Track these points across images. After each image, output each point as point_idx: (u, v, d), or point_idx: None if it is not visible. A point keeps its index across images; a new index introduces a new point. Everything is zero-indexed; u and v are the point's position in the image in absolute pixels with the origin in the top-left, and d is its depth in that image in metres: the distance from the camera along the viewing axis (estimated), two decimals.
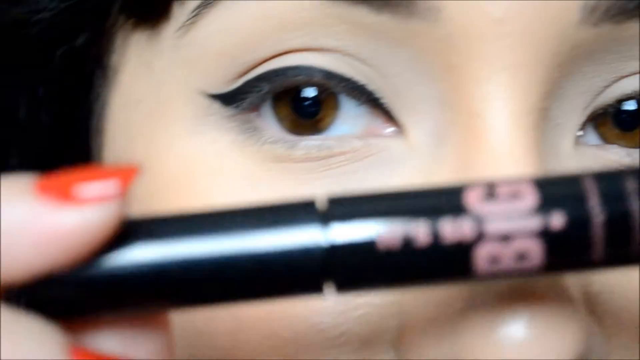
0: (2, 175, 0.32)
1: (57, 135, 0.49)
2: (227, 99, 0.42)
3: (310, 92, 0.42)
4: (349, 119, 0.42)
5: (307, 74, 0.41)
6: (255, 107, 0.42)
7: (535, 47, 0.39)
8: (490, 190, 0.34)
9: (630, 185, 0.34)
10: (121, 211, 0.32)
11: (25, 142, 0.48)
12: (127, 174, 0.32)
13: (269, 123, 0.42)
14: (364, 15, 0.40)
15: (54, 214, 0.31)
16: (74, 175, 0.32)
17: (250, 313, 0.40)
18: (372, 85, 0.41)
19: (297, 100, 0.42)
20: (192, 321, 0.42)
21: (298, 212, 0.33)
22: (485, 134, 0.39)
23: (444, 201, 0.33)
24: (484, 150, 0.39)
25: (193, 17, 0.42)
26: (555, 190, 0.34)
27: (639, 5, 0.40)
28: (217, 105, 0.42)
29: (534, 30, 0.39)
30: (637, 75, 0.42)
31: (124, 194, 0.32)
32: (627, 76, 0.42)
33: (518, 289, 0.37)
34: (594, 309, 0.41)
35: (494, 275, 0.34)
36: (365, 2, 0.39)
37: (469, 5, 0.39)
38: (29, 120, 0.48)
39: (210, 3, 0.41)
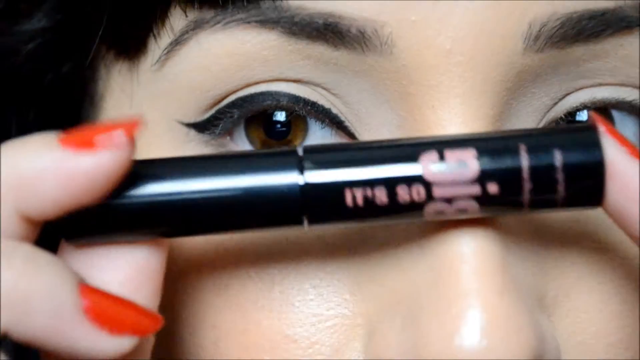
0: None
1: None
2: (202, 126, 0.45)
3: (280, 116, 0.45)
4: (317, 140, 0.45)
5: (274, 99, 0.44)
6: (228, 132, 0.45)
7: (483, 75, 0.42)
8: (441, 156, 0.40)
9: (558, 157, 0.40)
10: (129, 155, 0.38)
11: None
12: (132, 125, 0.38)
13: (242, 146, 0.45)
14: (323, 51, 0.43)
15: (75, 159, 0.38)
16: (89, 128, 0.39)
17: (230, 325, 0.44)
18: (335, 110, 0.44)
19: (268, 124, 0.45)
20: (177, 332, 0.45)
21: (281, 157, 0.40)
22: None
23: (402, 164, 0.40)
24: None
25: (166, 53, 0.45)
26: (494, 163, 0.40)
27: (580, 31, 0.43)
28: (193, 133, 0.45)
29: (481, 60, 0.42)
30: (586, 89, 0.45)
31: (131, 141, 0.38)
32: (576, 90, 0.45)
33: (472, 294, 0.40)
34: (551, 312, 0.44)
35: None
36: (322, 39, 0.42)
37: (419, 39, 0.42)
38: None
39: (181, 41, 0.44)
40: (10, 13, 0.50)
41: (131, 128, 0.38)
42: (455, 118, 0.42)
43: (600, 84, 0.45)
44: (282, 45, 0.43)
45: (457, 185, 0.40)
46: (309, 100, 0.44)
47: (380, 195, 0.40)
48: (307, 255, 0.44)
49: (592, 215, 0.45)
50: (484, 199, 0.40)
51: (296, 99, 0.44)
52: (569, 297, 0.44)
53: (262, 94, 0.44)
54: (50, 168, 0.38)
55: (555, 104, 0.45)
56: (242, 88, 0.44)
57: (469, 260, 0.41)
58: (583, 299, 0.45)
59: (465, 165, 0.40)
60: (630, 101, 0.45)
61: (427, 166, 0.40)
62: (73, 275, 0.38)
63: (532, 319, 0.41)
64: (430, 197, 0.40)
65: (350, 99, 0.44)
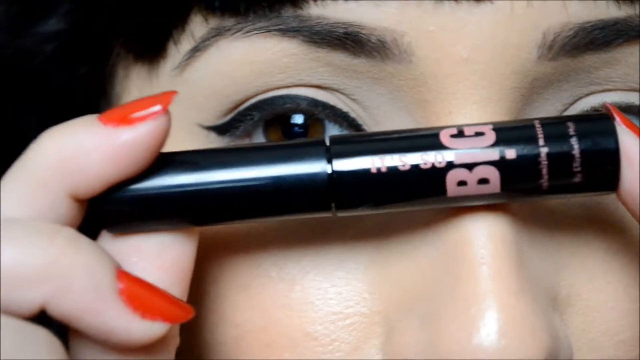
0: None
1: None
2: (222, 129, 0.46)
3: (298, 119, 0.46)
4: None
5: (293, 102, 0.45)
6: (247, 134, 0.46)
7: (498, 82, 0.44)
8: (460, 131, 0.42)
9: (571, 128, 0.42)
10: (166, 124, 0.41)
11: None
12: (165, 97, 0.41)
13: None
14: (342, 59, 0.44)
15: (116, 133, 0.40)
16: (127, 105, 0.41)
17: (251, 323, 0.46)
18: (353, 114, 0.45)
19: (286, 126, 0.46)
20: (197, 329, 0.47)
21: (309, 147, 0.42)
22: None
23: (423, 139, 0.42)
24: None
25: (187, 59, 0.46)
26: (510, 133, 0.42)
27: (592, 40, 0.44)
28: (213, 135, 0.46)
29: (496, 68, 0.43)
30: (597, 94, 0.46)
31: (165, 111, 0.41)
32: (586, 95, 0.46)
33: (490, 295, 0.42)
34: (563, 311, 0.45)
35: (462, 198, 0.42)
36: (342, 47, 0.44)
37: (437, 48, 0.43)
38: None
39: (201, 48, 0.45)
40: (28, 15, 0.51)
41: (165, 100, 0.41)
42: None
43: (610, 89, 0.46)
44: (302, 53, 0.44)
45: (475, 149, 0.42)
46: (327, 104, 0.45)
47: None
48: (327, 256, 0.46)
49: (603, 217, 0.47)
50: (501, 164, 0.42)
51: (315, 103, 0.45)
52: (581, 296, 0.46)
53: (281, 97, 0.45)
54: (94, 144, 0.40)
55: (566, 109, 0.46)
56: (262, 92, 0.45)
57: (486, 262, 0.42)
58: (594, 298, 0.46)
59: (482, 134, 0.42)
60: (639, 105, 0.46)
61: (446, 136, 0.42)
62: (111, 259, 0.40)
63: (546, 320, 0.43)
64: (450, 164, 0.42)
65: (369, 103, 0.45)
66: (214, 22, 0.45)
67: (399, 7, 0.43)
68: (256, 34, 0.44)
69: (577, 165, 0.42)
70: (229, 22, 0.45)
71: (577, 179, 0.42)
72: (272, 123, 0.46)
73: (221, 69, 0.45)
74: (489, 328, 0.41)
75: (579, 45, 0.44)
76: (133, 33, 0.47)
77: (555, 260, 0.46)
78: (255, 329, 0.46)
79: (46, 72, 0.51)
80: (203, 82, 0.46)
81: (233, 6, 0.44)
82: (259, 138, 0.47)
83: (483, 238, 0.43)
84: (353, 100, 0.45)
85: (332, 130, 0.46)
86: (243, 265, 0.46)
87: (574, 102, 0.46)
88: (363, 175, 0.42)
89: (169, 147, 0.47)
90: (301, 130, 0.46)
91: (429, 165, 0.42)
